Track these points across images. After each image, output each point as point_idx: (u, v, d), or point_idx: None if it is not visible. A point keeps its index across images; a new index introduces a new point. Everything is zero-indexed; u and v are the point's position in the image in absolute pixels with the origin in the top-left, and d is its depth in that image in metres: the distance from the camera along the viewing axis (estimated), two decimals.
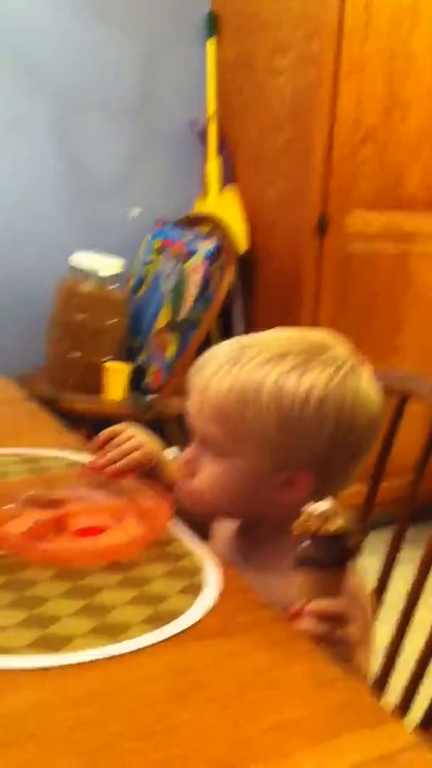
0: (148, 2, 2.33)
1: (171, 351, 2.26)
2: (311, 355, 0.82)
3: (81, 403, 2.10)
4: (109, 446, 0.93)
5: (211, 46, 2.38)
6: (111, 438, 0.94)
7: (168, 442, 2.15)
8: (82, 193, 2.36)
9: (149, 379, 2.30)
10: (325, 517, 0.69)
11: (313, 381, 0.80)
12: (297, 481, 0.83)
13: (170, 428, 2.19)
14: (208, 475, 0.84)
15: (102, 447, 0.94)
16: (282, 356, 0.81)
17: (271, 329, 0.87)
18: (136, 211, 2.42)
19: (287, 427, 0.80)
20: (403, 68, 2.19)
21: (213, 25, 2.37)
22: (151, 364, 2.30)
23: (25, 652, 0.65)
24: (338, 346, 0.85)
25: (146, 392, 2.24)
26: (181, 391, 2.27)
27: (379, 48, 2.12)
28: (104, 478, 0.92)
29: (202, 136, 2.41)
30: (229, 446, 0.83)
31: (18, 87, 2.23)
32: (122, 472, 0.92)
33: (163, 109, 2.41)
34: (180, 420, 2.23)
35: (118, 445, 0.93)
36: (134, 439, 0.93)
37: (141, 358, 2.32)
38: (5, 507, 0.87)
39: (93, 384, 2.15)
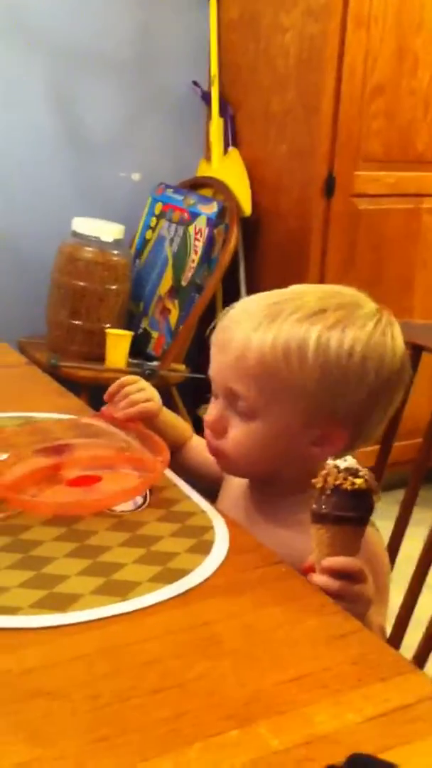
0: None
1: (174, 317, 2.23)
2: (350, 311, 0.81)
3: (82, 370, 2.08)
4: (119, 395, 0.96)
5: (213, 4, 2.32)
6: (122, 387, 0.97)
7: (171, 409, 2.14)
8: (81, 156, 2.32)
9: (152, 346, 2.27)
10: (351, 472, 0.67)
11: (355, 336, 0.80)
12: (331, 438, 0.82)
13: (174, 394, 2.17)
14: (240, 435, 0.83)
15: (114, 396, 0.97)
16: (322, 311, 0.80)
17: (295, 285, 0.86)
18: (136, 176, 2.38)
19: (329, 382, 0.79)
20: (413, 20, 2.14)
21: None
22: (154, 331, 2.28)
23: (32, 611, 0.64)
24: (369, 301, 0.85)
25: (149, 359, 2.22)
26: (184, 357, 2.25)
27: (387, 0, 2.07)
28: (115, 423, 0.94)
29: (205, 97, 2.36)
30: (262, 404, 0.81)
31: (12, 47, 2.18)
32: (131, 420, 0.94)
33: (164, 70, 2.36)
34: (182, 386, 2.21)
35: (130, 394, 0.96)
36: (145, 391, 0.97)
37: (143, 325, 2.29)
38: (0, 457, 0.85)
39: (95, 351, 2.13)
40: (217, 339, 0.84)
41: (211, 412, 0.85)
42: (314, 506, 0.68)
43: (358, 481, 0.66)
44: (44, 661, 0.58)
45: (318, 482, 0.68)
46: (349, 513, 0.67)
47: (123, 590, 0.67)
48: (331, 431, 0.82)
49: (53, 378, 1.25)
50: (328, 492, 0.67)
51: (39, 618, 0.63)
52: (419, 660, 0.91)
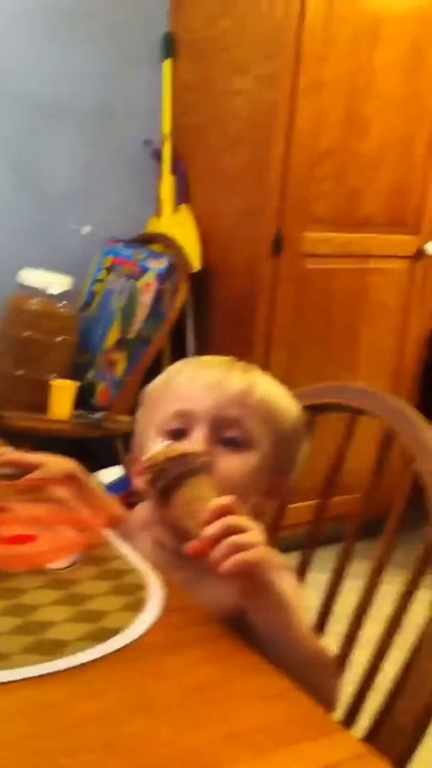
0: (108, 20, 2.34)
1: (120, 369, 2.23)
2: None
3: (25, 420, 2.06)
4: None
5: (167, 66, 2.38)
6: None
7: (115, 460, 2.12)
8: (34, 207, 2.33)
9: (96, 397, 2.26)
10: (166, 448, 0.77)
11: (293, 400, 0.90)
12: (278, 488, 0.88)
13: (118, 446, 2.16)
14: (235, 464, 0.82)
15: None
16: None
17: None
18: (86, 229, 2.40)
19: (291, 439, 0.87)
20: (363, 87, 2.22)
21: (170, 46, 2.38)
22: (99, 382, 2.27)
23: None
24: None
25: (94, 409, 2.20)
26: (130, 409, 2.24)
27: (338, 67, 2.15)
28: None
29: (157, 155, 2.41)
30: (257, 434, 0.84)
31: None
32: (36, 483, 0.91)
33: (119, 127, 2.41)
34: (127, 438, 2.20)
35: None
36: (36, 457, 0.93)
37: (89, 376, 2.29)
38: None
39: (39, 401, 2.11)
40: (202, 379, 0.85)
41: (195, 442, 0.81)
42: (155, 490, 0.75)
43: (173, 451, 0.76)
44: None
45: (148, 470, 0.75)
46: (177, 472, 0.74)
47: (54, 649, 0.65)
48: (279, 481, 0.87)
49: None
50: (160, 468, 0.75)
51: None
52: (350, 716, 0.90)
